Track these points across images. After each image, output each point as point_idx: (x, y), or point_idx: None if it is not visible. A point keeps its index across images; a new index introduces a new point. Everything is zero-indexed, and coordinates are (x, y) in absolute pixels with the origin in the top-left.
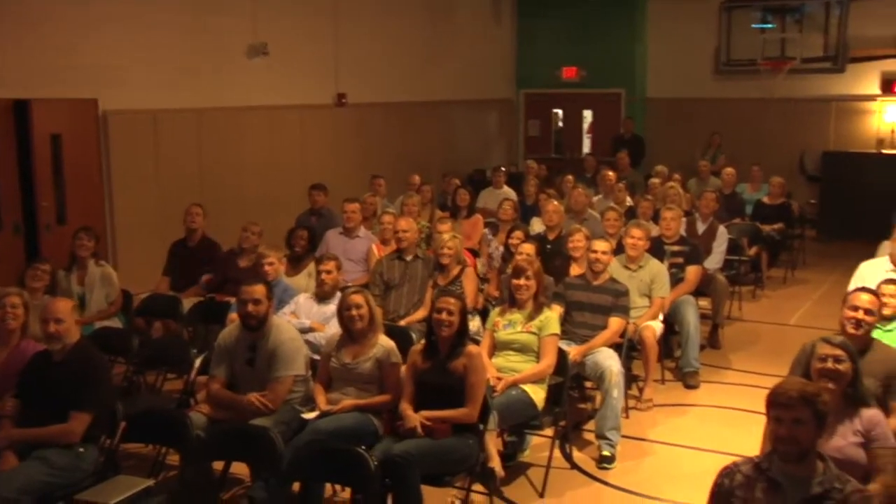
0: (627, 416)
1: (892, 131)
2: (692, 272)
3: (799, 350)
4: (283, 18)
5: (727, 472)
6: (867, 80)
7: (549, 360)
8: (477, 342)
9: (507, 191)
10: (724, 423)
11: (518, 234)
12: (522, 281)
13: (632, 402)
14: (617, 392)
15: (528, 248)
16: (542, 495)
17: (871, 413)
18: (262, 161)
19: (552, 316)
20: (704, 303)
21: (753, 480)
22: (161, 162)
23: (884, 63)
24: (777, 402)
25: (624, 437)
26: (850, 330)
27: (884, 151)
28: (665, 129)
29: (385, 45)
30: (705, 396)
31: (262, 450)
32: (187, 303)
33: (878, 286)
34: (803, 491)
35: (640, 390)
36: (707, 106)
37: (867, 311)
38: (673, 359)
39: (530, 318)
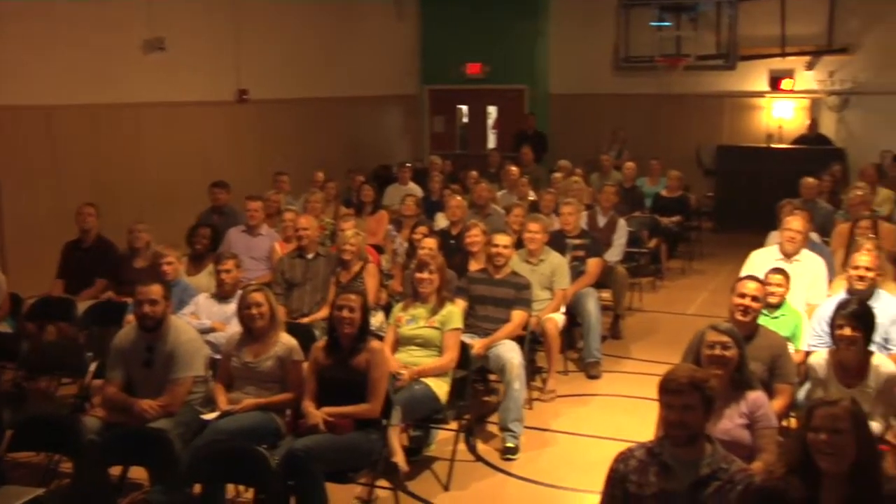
0: (531, 408)
1: (780, 126)
2: (593, 265)
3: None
4: (181, 12)
5: (622, 458)
6: (756, 78)
7: (451, 355)
8: (380, 338)
9: (413, 187)
10: (625, 411)
11: (421, 229)
12: (425, 275)
13: (536, 394)
14: (518, 384)
15: (431, 243)
16: (446, 488)
17: (755, 396)
18: (163, 159)
19: (455, 310)
20: (606, 294)
21: (647, 465)
22: (55, 160)
23: (771, 61)
24: (668, 389)
25: (528, 428)
26: (738, 317)
27: (773, 146)
28: (568, 125)
29: (287, 41)
30: (607, 386)
31: (160, 453)
32: (82, 305)
33: (766, 275)
34: (693, 473)
35: (544, 382)
36: (608, 101)
37: (753, 298)
38: (576, 350)
39: (433, 312)
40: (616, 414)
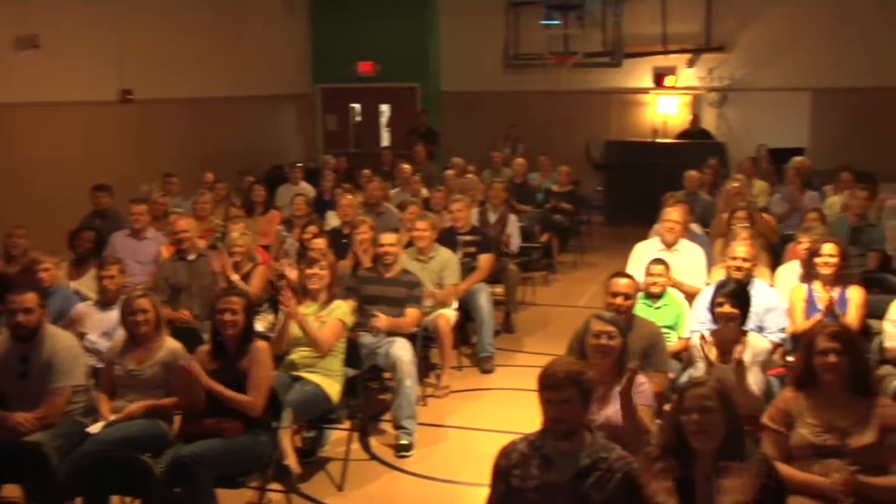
0: (425, 405)
1: (665, 122)
2: (484, 260)
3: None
4: (57, 8)
5: (505, 452)
6: (641, 74)
7: (326, 336)
8: (269, 339)
9: (304, 186)
10: (518, 404)
11: (311, 228)
12: (315, 270)
13: (430, 390)
14: (410, 381)
15: (320, 243)
16: (340, 488)
17: (638, 380)
18: (41, 162)
19: (343, 305)
20: (499, 290)
21: (529, 458)
22: None
23: (654, 59)
24: (546, 385)
25: (422, 424)
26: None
27: (658, 140)
28: (460, 122)
29: (173, 39)
30: (500, 380)
31: (34, 468)
32: None
33: (647, 266)
34: (573, 464)
35: (438, 378)
36: (499, 99)
37: (626, 296)
38: (470, 345)
39: (323, 308)
40: (509, 407)
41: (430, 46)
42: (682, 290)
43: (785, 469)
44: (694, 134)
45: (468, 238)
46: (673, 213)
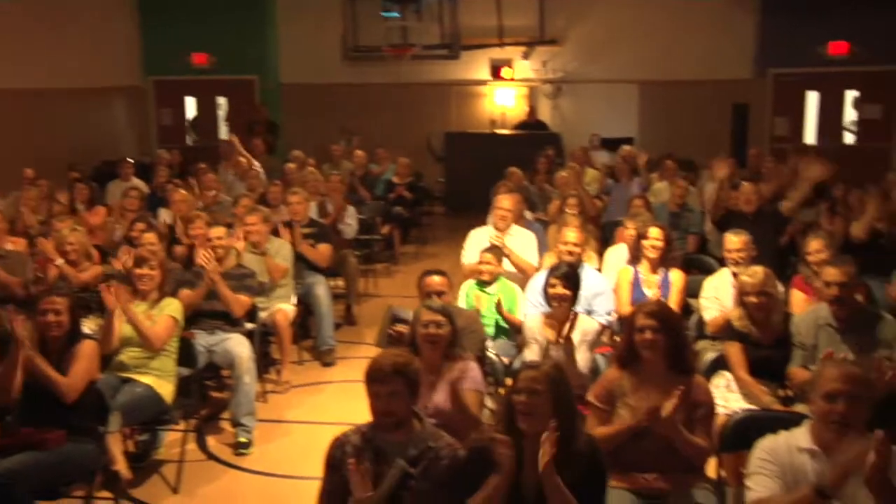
0: (266, 401)
1: (503, 113)
2: (323, 249)
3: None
4: None
5: (338, 443)
6: (478, 67)
7: (159, 333)
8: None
9: (136, 182)
10: (360, 396)
11: (139, 225)
12: (145, 270)
13: (270, 386)
14: (249, 378)
15: (151, 238)
16: (175, 491)
17: (462, 364)
18: None
19: (175, 302)
20: (341, 282)
21: (362, 450)
22: None
23: (491, 51)
24: (373, 379)
25: (262, 421)
26: None
27: (497, 131)
28: (301, 114)
29: None
30: (342, 372)
31: None
32: None
33: (480, 253)
34: (403, 455)
35: (279, 373)
36: (339, 91)
37: (438, 293)
38: (311, 339)
39: (153, 307)
40: (351, 399)
41: (268, 38)
42: (518, 268)
43: (598, 430)
44: (530, 125)
45: (306, 231)
46: (504, 201)
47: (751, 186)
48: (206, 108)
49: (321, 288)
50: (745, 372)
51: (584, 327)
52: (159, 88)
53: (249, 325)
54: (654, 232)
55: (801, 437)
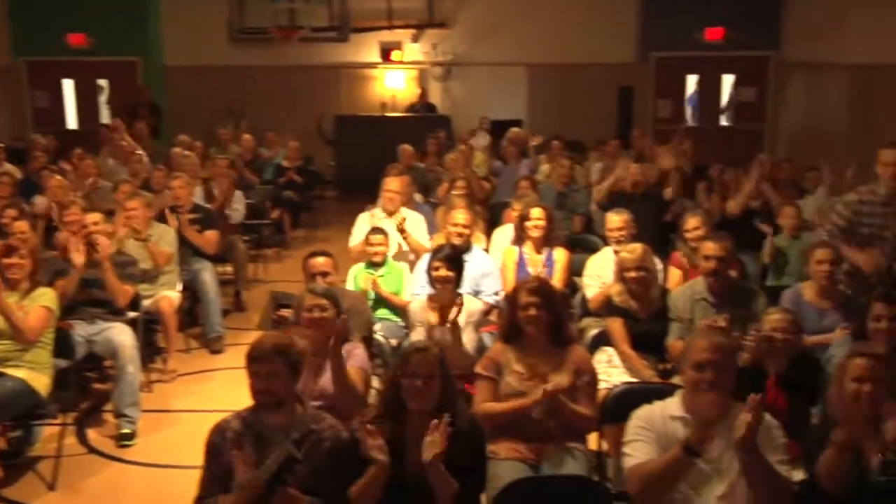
0: (151, 391)
1: (393, 96)
2: (209, 234)
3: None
4: None
5: (218, 430)
6: (368, 49)
7: (32, 325)
8: None
9: (8, 168)
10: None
11: (10, 212)
12: (14, 260)
13: (156, 376)
14: (132, 367)
15: (22, 226)
16: (52, 487)
17: (349, 347)
18: None
19: (48, 291)
20: (230, 268)
21: (243, 435)
22: None
23: (381, 34)
24: (254, 358)
25: (147, 411)
26: None
27: (387, 114)
28: (186, 98)
29: None
30: (231, 359)
31: None
32: None
33: (367, 235)
34: (285, 438)
35: (165, 362)
36: (226, 73)
37: (323, 275)
38: (199, 326)
39: (24, 298)
40: (240, 387)
41: (150, 18)
42: (413, 249)
43: (490, 406)
44: (421, 108)
45: (191, 216)
46: (392, 184)
47: (637, 168)
48: (86, 91)
49: (207, 274)
50: (627, 346)
51: (470, 308)
52: (33, 69)
53: (132, 314)
54: (536, 212)
55: (673, 406)
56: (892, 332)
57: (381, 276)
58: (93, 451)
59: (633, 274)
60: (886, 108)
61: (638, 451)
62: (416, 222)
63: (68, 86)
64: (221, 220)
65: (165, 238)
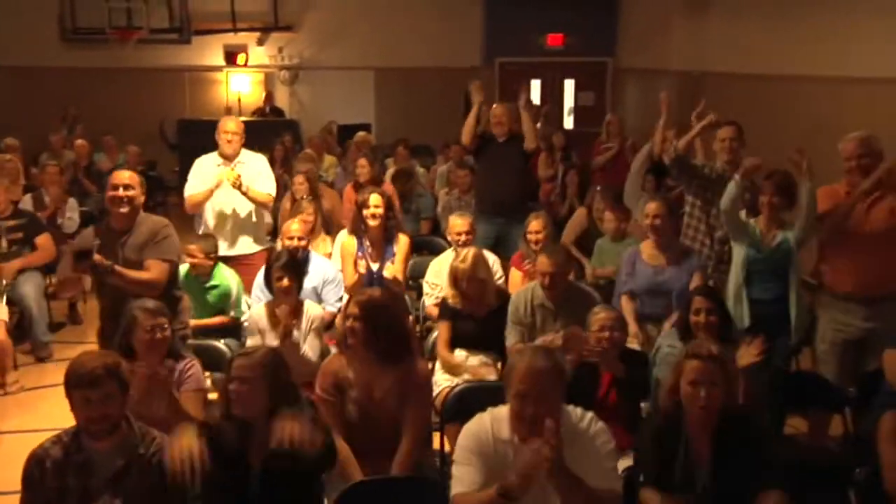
0: None
1: (239, 100)
2: (43, 240)
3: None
4: None
5: (36, 460)
6: (212, 52)
7: None
8: None
9: None
10: None
11: None
12: None
13: None
14: None
15: None
16: None
17: (183, 363)
18: None
19: None
20: None
21: (64, 465)
22: None
23: (225, 37)
24: (84, 383)
25: None
26: None
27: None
28: (14, 100)
29: None
30: (62, 374)
31: None
32: None
33: (187, 252)
34: (112, 464)
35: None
36: (57, 75)
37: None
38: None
39: None
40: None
41: None
42: (254, 201)
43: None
44: (268, 112)
45: (11, 223)
46: (229, 123)
47: (502, 108)
48: None
49: (29, 285)
50: (445, 348)
51: (311, 314)
52: None
53: None
54: (374, 199)
55: (504, 425)
56: (710, 324)
57: (208, 287)
58: None
59: (464, 284)
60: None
61: (464, 476)
62: (258, 165)
63: None
64: (53, 229)
65: None
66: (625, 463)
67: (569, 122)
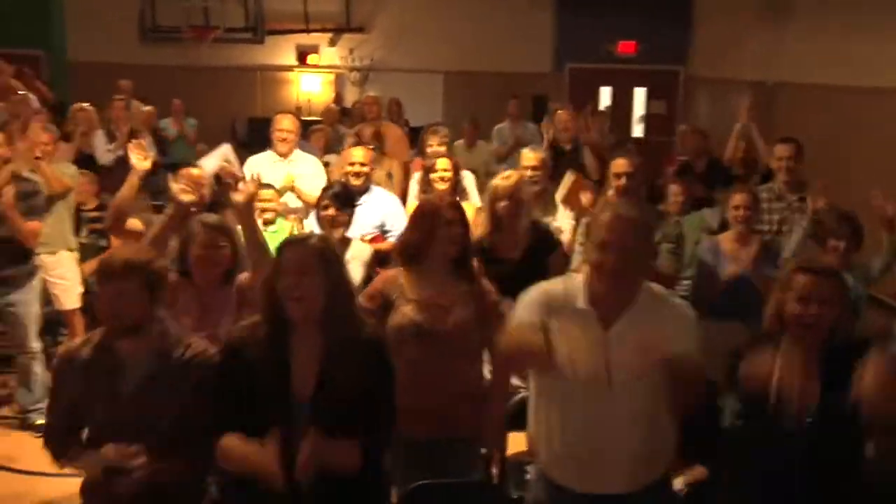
0: None
1: (309, 100)
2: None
3: None
4: None
5: (66, 358)
6: (284, 52)
7: None
8: None
9: None
10: None
11: None
12: None
13: None
14: None
15: None
16: None
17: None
18: None
19: None
20: None
21: (93, 366)
22: None
23: (297, 37)
24: (101, 276)
25: None
26: None
27: (304, 118)
28: (93, 96)
29: None
30: None
31: None
32: None
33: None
34: (142, 368)
35: None
36: (137, 73)
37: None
38: None
39: None
40: None
41: (52, 9)
42: (304, 201)
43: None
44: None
45: (93, 214)
46: (284, 121)
47: (566, 114)
48: None
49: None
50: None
51: (355, 252)
52: None
53: None
54: (442, 163)
55: (579, 294)
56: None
57: (275, 231)
58: None
59: (502, 205)
60: (785, 122)
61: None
62: (311, 166)
63: None
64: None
65: None
66: None
67: (638, 131)
